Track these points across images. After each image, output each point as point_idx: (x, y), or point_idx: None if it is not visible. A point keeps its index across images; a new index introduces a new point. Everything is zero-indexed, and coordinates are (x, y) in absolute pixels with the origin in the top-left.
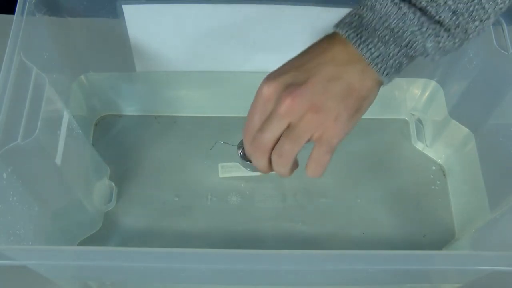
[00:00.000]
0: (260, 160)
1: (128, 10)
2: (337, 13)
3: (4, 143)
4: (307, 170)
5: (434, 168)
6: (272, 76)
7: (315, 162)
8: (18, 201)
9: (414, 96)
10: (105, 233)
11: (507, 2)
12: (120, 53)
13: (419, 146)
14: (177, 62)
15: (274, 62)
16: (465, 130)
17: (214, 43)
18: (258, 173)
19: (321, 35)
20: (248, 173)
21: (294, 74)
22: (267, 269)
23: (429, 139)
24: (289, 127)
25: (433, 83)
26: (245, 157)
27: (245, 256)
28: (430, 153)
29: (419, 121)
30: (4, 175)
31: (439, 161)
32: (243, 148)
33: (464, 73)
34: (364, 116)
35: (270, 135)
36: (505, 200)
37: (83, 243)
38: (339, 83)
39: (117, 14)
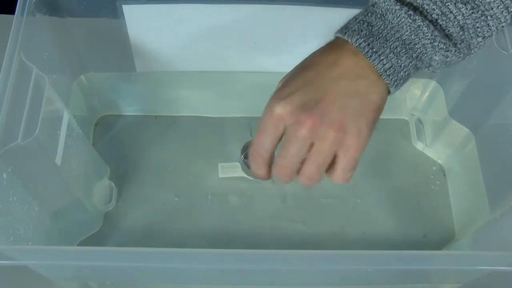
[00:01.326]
0: (285, 181)
1: (128, 10)
2: (337, 13)
3: (4, 143)
4: (334, 181)
5: (434, 168)
6: (282, 95)
7: (341, 177)
8: (18, 201)
9: (414, 96)
10: (105, 233)
11: (508, 20)
12: (120, 53)
13: (419, 146)
14: (177, 62)
15: (274, 62)
16: (465, 130)
17: (214, 43)
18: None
19: (321, 35)
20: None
21: (306, 91)
22: (267, 269)
23: (429, 139)
24: (311, 147)
25: (433, 83)
26: (247, 163)
27: (245, 256)
28: (430, 153)
29: (419, 121)
30: (4, 175)
31: (439, 161)
32: (245, 154)
33: (464, 73)
34: None
35: (294, 159)
36: (505, 200)
37: (83, 243)
38: (356, 98)
39: (117, 14)
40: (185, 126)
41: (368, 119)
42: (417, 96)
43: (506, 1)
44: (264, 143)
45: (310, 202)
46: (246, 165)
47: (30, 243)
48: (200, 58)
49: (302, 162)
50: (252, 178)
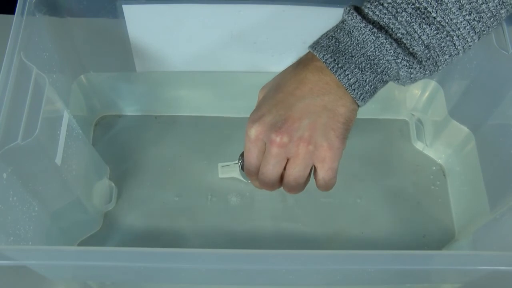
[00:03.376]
0: (271, 191)
1: (128, 10)
2: (337, 13)
3: (4, 143)
4: (318, 188)
5: (434, 168)
6: (255, 118)
7: (323, 187)
8: (18, 201)
9: (414, 96)
10: (105, 233)
11: (476, 41)
12: (120, 53)
13: (419, 146)
14: (177, 62)
15: (274, 62)
16: (465, 130)
17: (214, 43)
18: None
19: (321, 35)
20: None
21: (276, 111)
22: (267, 269)
23: (429, 139)
24: (288, 161)
25: (433, 83)
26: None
27: (245, 256)
28: (430, 153)
29: (419, 121)
30: (4, 175)
31: (439, 161)
32: (243, 160)
33: (464, 73)
34: (364, 116)
35: (272, 175)
36: (505, 200)
37: (83, 243)
38: (323, 113)
39: (117, 14)
40: (185, 126)
41: (337, 131)
42: (417, 96)
43: (472, 22)
44: (250, 162)
45: (310, 202)
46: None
47: (30, 243)
48: (200, 58)
49: (283, 174)
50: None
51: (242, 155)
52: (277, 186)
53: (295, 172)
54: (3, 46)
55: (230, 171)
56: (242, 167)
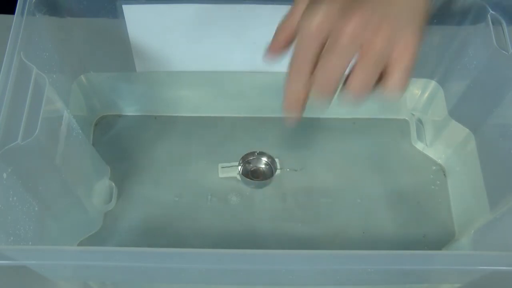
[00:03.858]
0: (328, 96)
1: (128, 10)
2: None
3: (4, 143)
4: (389, 90)
5: (434, 168)
6: (316, 6)
7: (399, 82)
8: (18, 201)
9: (414, 96)
10: (105, 233)
11: None
12: (120, 53)
13: (419, 146)
14: (177, 62)
15: (274, 62)
16: (465, 130)
17: (214, 43)
18: (258, 189)
19: None
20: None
21: None
22: (267, 269)
23: (429, 139)
24: (360, 54)
25: (433, 83)
26: (245, 174)
27: (245, 256)
28: (430, 153)
29: (419, 121)
30: (4, 175)
31: (439, 161)
32: (243, 165)
33: (464, 73)
34: (364, 116)
35: (338, 69)
36: (505, 200)
37: (83, 243)
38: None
39: (117, 14)
40: (185, 126)
41: (419, 19)
42: (417, 96)
43: None
44: (304, 58)
45: (310, 202)
46: (244, 175)
47: (30, 243)
48: (200, 58)
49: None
50: (251, 188)
51: (242, 158)
52: (335, 92)
53: (366, 62)
54: (3, 46)
55: (230, 171)
56: (242, 171)
